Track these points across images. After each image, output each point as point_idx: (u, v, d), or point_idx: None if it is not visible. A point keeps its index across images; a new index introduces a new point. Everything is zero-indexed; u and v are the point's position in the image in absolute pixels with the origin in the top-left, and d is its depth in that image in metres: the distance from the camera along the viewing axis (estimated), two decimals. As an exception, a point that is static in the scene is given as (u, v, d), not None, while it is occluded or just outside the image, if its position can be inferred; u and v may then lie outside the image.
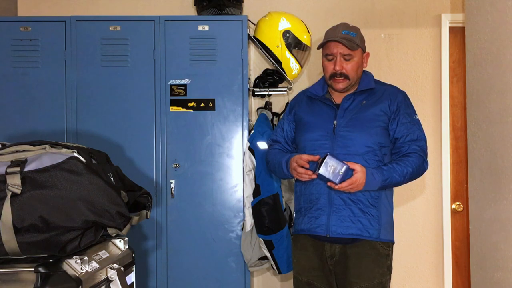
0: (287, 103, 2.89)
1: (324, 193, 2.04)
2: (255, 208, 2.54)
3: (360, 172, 1.93)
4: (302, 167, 2.01)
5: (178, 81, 2.66)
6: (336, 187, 1.93)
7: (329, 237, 2.03)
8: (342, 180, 1.92)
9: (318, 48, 2.18)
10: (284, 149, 2.24)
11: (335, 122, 2.09)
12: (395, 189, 3.14)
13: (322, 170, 1.91)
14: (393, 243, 2.12)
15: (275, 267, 2.61)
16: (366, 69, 2.24)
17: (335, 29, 2.13)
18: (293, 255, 2.20)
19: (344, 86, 2.11)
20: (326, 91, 2.20)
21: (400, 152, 2.08)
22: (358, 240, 2.03)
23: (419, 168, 2.07)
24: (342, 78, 2.09)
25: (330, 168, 1.90)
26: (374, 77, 2.25)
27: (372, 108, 2.10)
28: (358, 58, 2.12)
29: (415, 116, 2.13)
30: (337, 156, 1.94)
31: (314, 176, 2.00)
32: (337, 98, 2.17)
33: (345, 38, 2.07)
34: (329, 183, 1.94)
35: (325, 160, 1.90)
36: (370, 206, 2.03)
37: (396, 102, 2.11)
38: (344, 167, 1.90)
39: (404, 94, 2.18)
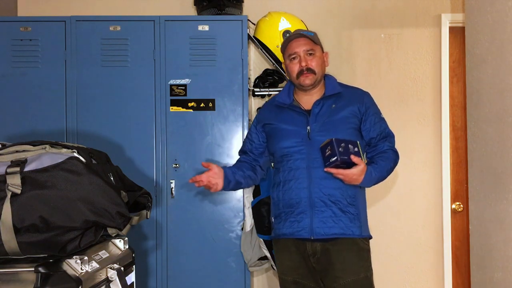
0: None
1: (305, 197, 2.08)
2: (255, 208, 2.54)
3: (356, 169, 1.98)
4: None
5: (178, 81, 2.66)
6: (325, 169, 1.99)
7: (313, 239, 2.07)
8: (331, 167, 1.97)
9: (282, 51, 2.25)
10: (248, 161, 2.28)
11: (308, 127, 2.12)
12: (395, 189, 3.15)
13: (321, 149, 1.99)
14: (371, 238, 2.18)
15: (275, 267, 2.61)
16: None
17: (293, 33, 2.25)
18: (276, 257, 2.24)
19: (311, 82, 2.16)
20: (292, 99, 2.23)
21: (376, 149, 2.17)
22: (340, 238, 2.07)
23: (395, 162, 2.18)
24: (309, 73, 2.15)
25: (328, 151, 1.96)
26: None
27: (342, 111, 2.15)
28: (320, 54, 2.21)
29: (381, 115, 2.24)
30: (343, 146, 1.96)
31: (215, 187, 2.12)
32: (305, 104, 2.20)
33: (305, 34, 2.18)
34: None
35: (329, 141, 1.96)
36: (349, 205, 2.08)
37: (364, 104, 2.19)
38: (335, 158, 1.93)
39: (369, 95, 2.26)
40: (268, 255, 2.57)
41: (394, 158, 2.16)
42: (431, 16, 3.17)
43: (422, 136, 3.13)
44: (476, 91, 2.09)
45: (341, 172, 1.97)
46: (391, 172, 2.16)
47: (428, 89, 3.17)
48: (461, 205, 3.20)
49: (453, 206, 3.20)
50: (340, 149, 1.93)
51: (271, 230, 2.25)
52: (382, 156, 2.13)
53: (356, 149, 1.98)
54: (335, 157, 1.92)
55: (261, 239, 2.54)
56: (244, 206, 2.61)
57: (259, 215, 2.53)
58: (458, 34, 3.19)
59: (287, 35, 2.76)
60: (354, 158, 1.95)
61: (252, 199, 2.57)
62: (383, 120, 2.21)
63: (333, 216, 2.06)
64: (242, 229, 2.63)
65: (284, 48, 2.22)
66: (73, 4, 3.18)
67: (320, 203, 2.06)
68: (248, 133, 2.36)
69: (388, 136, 2.19)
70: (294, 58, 2.18)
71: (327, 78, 2.25)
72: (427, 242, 3.16)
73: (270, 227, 2.52)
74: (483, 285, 2.05)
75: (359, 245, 2.10)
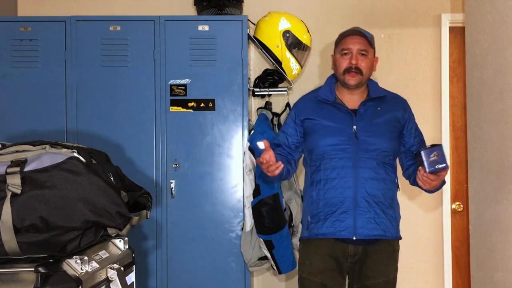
0: (287, 103, 2.90)
1: (349, 196, 2.07)
2: (255, 208, 2.54)
3: (443, 176, 2.01)
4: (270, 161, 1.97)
5: (178, 81, 2.66)
6: (425, 174, 1.98)
7: (355, 239, 2.07)
8: (432, 172, 1.97)
9: (335, 43, 2.22)
10: (284, 154, 2.20)
11: (354, 127, 2.12)
12: (395, 189, 3.14)
13: (424, 151, 1.97)
14: (401, 239, 2.23)
15: (275, 267, 2.61)
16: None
17: (351, 28, 2.20)
18: (304, 258, 2.19)
19: (356, 82, 2.14)
20: (335, 96, 2.20)
21: None
22: (379, 239, 2.10)
23: None
24: (356, 72, 2.13)
25: (434, 156, 1.95)
26: (374, 79, 2.29)
27: (387, 114, 2.17)
28: (371, 57, 2.19)
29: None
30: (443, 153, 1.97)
31: (280, 167, 1.97)
32: (348, 103, 2.18)
33: (363, 33, 2.16)
34: (420, 168, 1.99)
35: (437, 146, 1.96)
36: (389, 207, 2.11)
37: (407, 111, 2.24)
38: (444, 165, 1.95)
39: (407, 102, 2.29)
40: (268, 255, 2.57)
41: None
42: (431, 16, 3.17)
43: (423, 136, 3.12)
44: (476, 91, 2.09)
45: (436, 178, 1.98)
46: None
47: (428, 89, 3.17)
48: (461, 205, 3.20)
49: (453, 206, 3.20)
50: (445, 156, 1.95)
51: (306, 230, 2.18)
52: None
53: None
54: (444, 165, 1.95)
55: (261, 239, 2.54)
56: (244, 206, 2.61)
57: (259, 215, 2.53)
58: (458, 34, 3.19)
59: (287, 35, 2.76)
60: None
61: (252, 199, 2.57)
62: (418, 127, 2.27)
63: (375, 217, 2.08)
64: (242, 229, 2.63)
65: (338, 41, 2.20)
66: (73, 4, 3.18)
67: (364, 203, 2.07)
68: (283, 126, 2.29)
69: (424, 143, 2.24)
70: (345, 53, 2.15)
71: (369, 81, 2.25)
72: (427, 242, 3.16)
73: (270, 227, 2.52)
74: (483, 285, 2.05)
75: (394, 247, 2.16)
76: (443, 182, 2.09)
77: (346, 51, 2.15)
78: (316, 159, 2.15)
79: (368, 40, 2.15)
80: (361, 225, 2.06)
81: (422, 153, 1.97)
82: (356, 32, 2.16)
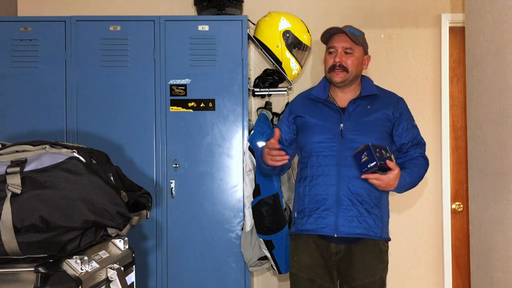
0: (287, 103, 2.91)
1: (332, 194, 2.09)
2: (255, 208, 2.54)
3: (392, 174, 2.00)
4: (275, 150, 2.05)
5: (178, 81, 2.66)
6: (362, 176, 1.99)
7: (336, 237, 2.08)
8: (368, 173, 1.97)
9: (323, 41, 2.25)
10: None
11: (341, 125, 2.13)
12: (395, 189, 3.14)
13: (355, 155, 2.01)
14: (390, 240, 2.22)
15: (275, 267, 2.61)
16: (366, 73, 2.27)
17: (340, 27, 2.21)
18: (293, 253, 2.22)
19: (341, 79, 2.16)
20: (327, 95, 2.22)
21: (407, 156, 2.19)
22: (363, 239, 2.09)
23: (426, 169, 2.21)
24: (340, 70, 2.15)
25: (364, 157, 1.96)
26: (374, 79, 2.30)
27: (376, 113, 2.17)
28: (359, 55, 2.19)
29: (414, 122, 2.25)
30: (378, 151, 1.97)
31: (286, 159, 2.05)
32: (340, 101, 2.21)
33: (348, 32, 2.16)
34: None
35: (365, 147, 1.97)
36: (374, 206, 2.11)
37: (399, 109, 2.21)
38: (374, 163, 1.94)
39: (404, 101, 2.27)
40: (268, 255, 2.57)
41: (425, 165, 2.19)
42: (431, 16, 3.17)
43: (422, 136, 3.12)
44: (476, 91, 2.09)
45: (378, 177, 1.98)
46: (421, 179, 2.18)
47: (428, 89, 3.17)
48: (461, 205, 3.20)
49: (453, 206, 3.20)
50: (377, 154, 1.94)
51: (293, 226, 2.23)
52: (414, 163, 2.15)
53: (388, 154, 2.00)
54: (374, 162, 1.93)
55: (261, 239, 2.54)
56: (244, 206, 2.61)
57: (259, 215, 2.53)
58: (458, 34, 3.19)
59: (287, 35, 2.76)
60: (389, 163, 1.97)
61: (252, 199, 2.57)
62: (415, 127, 2.24)
63: (358, 215, 2.08)
64: (242, 229, 2.63)
65: (326, 40, 2.23)
66: (73, 4, 3.18)
67: (347, 201, 2.08)
68: (278, 123, 2.36)
69: (420, 144, 2.22)
70: (331, 52, 2.19)
71: (363, 79, 2.26)
72: (427, 242, 3.16)
73: (270, 227, 2.52)
74: (483, 285, 2.04)
75: (380, 247, 2.14)
76: (406, 180, 2.07)
77: (331, 50, 2.19)
78: (305, 156, 2.19)
79: (353, 38, 2.15)
80: (343, 223, 2.07)
81: (353, 157, 2.02)
82: (340, 31, 2.18)
